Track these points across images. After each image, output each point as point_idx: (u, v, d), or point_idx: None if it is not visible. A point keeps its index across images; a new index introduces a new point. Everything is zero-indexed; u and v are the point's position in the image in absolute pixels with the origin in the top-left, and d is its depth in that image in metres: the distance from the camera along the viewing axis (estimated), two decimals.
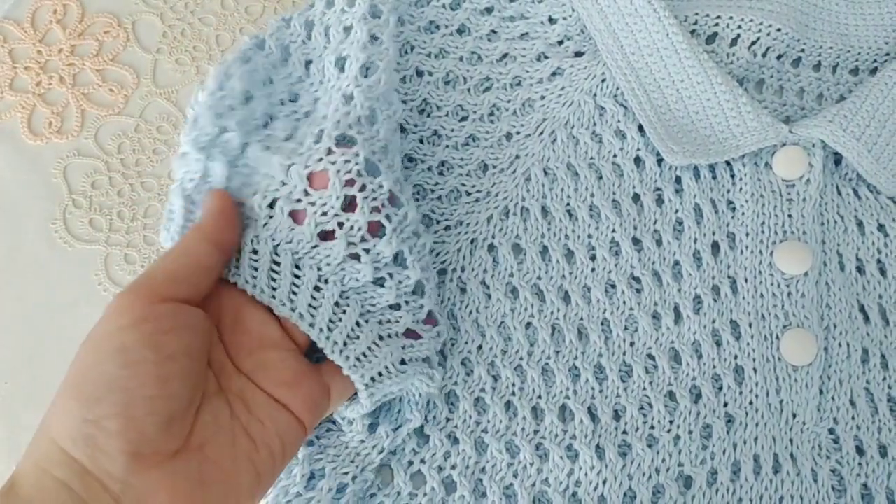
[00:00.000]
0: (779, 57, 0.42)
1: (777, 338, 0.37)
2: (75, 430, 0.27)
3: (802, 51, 0.43)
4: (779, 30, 0.41)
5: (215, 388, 0.30)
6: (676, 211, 0.39)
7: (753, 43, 0.41)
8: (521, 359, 0.37)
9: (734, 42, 0.41)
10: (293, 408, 0.31)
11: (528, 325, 0.37)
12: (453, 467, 0.36)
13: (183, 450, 0.28)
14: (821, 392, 0.37)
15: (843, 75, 0.43)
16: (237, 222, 0.33)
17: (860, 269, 0.39)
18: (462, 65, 0.40)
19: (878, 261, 0.39)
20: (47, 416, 0.28)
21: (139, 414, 0.27)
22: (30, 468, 0.27)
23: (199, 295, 0.31)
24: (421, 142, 0.40)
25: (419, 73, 0.41)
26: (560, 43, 0.41)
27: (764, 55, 0.42)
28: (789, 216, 0.39)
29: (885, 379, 0.38)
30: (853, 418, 0.37)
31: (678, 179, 0.40)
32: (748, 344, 0.37)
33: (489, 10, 0.41)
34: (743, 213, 0.39)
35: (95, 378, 0.27)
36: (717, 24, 0.41)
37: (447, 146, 0.39)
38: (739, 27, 0.41)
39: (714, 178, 0.40)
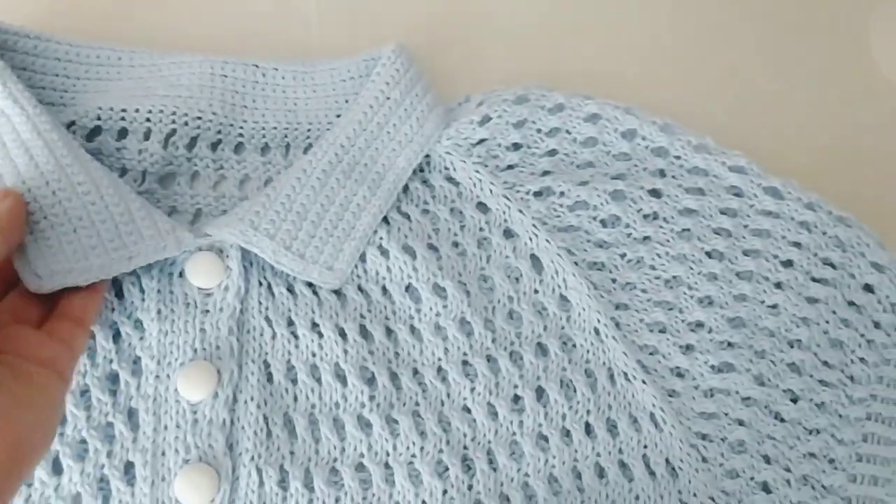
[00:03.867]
0: (213, 145, 0.38)
1: (175, 476, 0.33)
2: None
3: (242, 135, 0.39)
4: (199, 117, 0.37)
5: None
6: None
7: (170, 134, 0.37)
8: None
9: (147, 136, 0.37)
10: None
11: None
12: None
13: None
14: None
15: (276, 156, 0.39)
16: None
17: (293, 379, 0.35)
18: None
19: (313, 365, 0.36)
20: None
21: None
22: None
23: None
24: None
25: None
26: None
27: (189, 146, 0.38)
28: (202, 330, 0.35)
29: (311, 502, 0.34)
30: None
31: None
32: (141, 489, 0.33)
33: None
34: (150, 334, 0.35)
35: None
36: (122, 119, 0.37)
37: None
38: (148, 120, 0.37)
39: (120, 297, 0.35)
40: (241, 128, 0.38)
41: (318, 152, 0.36)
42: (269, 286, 0.36)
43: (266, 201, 0.35)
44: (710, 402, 0.37)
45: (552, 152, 0.40)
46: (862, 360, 0.39)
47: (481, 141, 0.39)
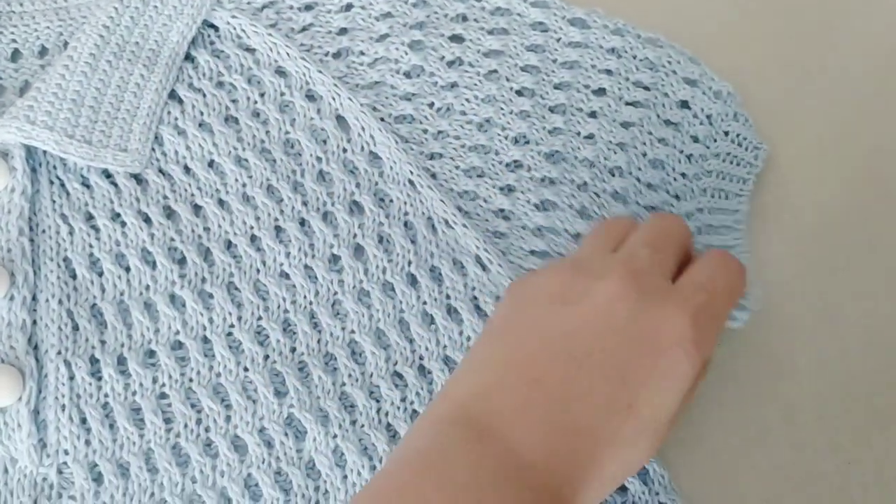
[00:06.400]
0: None
1: None
2: None
3: (15, 41, 0.37)
4: None
5: None
6: None
7: None
8: None
9: None
10: None
11: None
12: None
13: None
14: (39, 428, 0.32)
15: (55, 57, 0.38)
16: None
17: (98, 271, 0.35)
18: None
19: (118, 254, 0.35)
20: None
21: None
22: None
23: None
24: None
25: None
26: None
27: None
28: None
29: (127, 386, 0.33)
30: (87, 444, 0.32)
31: None
32: None
33: None
34: None
35: None
36: None
37: None
38: None
39: None
40: (13, 34, 0.37)
41: (82, 37, 0.35)
42: (63, 183, 0.35)
43: (38, 94, 0.34)
44: (540, 241, 0.37)
45: (348, 7, 0.39)
46: (683, 175, 0.39)
47: (270, 4, 0.38)
